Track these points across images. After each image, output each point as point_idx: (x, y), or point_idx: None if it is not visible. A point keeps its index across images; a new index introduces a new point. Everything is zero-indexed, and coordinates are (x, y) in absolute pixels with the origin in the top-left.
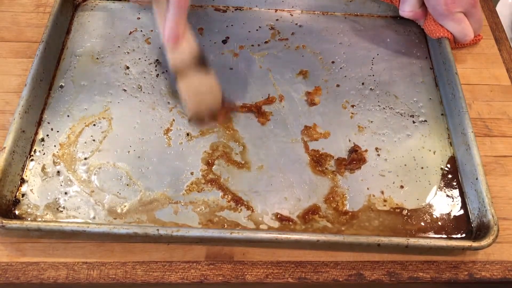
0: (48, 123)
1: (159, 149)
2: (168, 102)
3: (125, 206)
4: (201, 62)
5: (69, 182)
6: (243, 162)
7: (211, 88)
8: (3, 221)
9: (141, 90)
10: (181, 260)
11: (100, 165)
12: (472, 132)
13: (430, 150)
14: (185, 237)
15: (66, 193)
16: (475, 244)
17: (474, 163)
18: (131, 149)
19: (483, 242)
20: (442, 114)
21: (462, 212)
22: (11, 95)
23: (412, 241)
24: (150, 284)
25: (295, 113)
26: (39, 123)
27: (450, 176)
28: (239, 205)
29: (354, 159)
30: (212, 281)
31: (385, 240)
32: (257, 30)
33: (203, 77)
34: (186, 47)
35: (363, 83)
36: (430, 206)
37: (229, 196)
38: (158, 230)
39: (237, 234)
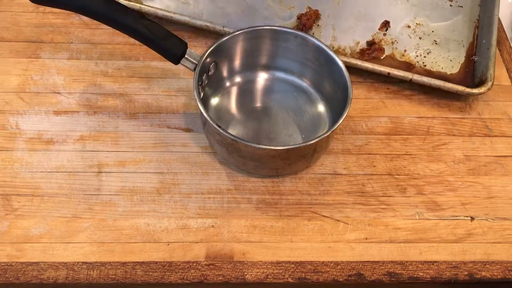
0: None
1: None
2: None
3: (203, 14)
4: None
5: None
6: None
7: None
8: None
9: None
10: (181, 260)
11: None
12: (497, 15)
13: (456, 29)
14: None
15: None
16: (467, 89)
17: (490, 37)
18: None
19: (475, 90)
20: (479, 5)
21: (469, 76)
22: (11, 95)
23: (416, 77)
24: (150, 284)
25: None
26: None
27: (470, 51)
28: None
29: (376, 49)
30: (212, 281)
31: (394, 71)
32: None
33: None
34: None
35: None
36: (442, 69)
37: None
38: (223, 27)
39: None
